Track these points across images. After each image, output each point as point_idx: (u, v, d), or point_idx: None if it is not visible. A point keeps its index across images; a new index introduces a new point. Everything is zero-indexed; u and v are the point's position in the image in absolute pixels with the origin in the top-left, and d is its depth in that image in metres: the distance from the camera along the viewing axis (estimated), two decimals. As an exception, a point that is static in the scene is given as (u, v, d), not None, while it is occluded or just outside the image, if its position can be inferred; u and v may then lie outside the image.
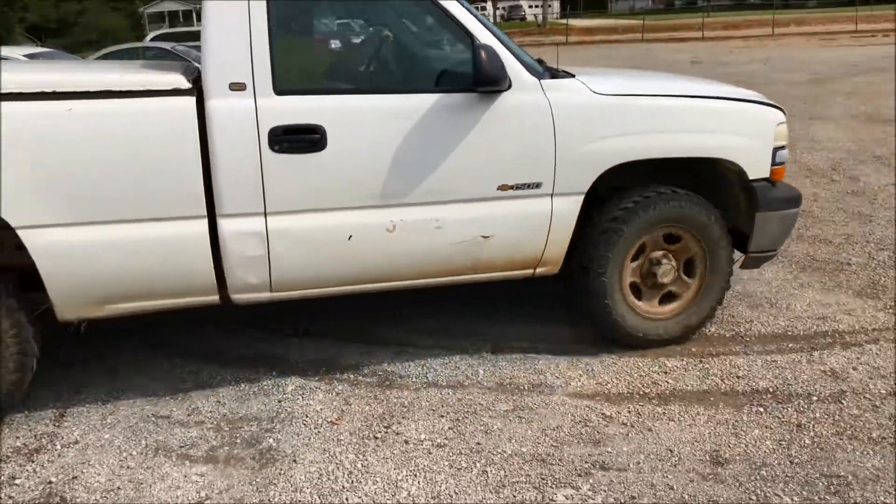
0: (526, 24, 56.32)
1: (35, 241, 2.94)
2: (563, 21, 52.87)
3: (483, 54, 3.16)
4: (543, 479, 2.84)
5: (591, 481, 2.82)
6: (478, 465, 2.94)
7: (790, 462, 2.91)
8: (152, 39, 19.35)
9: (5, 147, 2.85)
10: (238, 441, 3.12)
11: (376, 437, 3.13)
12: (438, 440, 3.10)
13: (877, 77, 14.88)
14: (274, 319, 4.22)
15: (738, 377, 3.57)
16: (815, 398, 3.36)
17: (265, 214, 3.16)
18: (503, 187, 3.40)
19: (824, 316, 4.19)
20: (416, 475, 2.88)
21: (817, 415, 3.23)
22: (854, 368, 3.62)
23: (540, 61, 3.68)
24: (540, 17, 55.07)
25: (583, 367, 3.68)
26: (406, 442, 3.09)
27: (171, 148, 3.01)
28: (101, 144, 2.95)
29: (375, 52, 3.75)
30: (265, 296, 3.33)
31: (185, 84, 3.05)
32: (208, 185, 3.09)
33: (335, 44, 4.04)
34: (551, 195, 3.48)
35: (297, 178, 3.16)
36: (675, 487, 2.78)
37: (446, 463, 2.95)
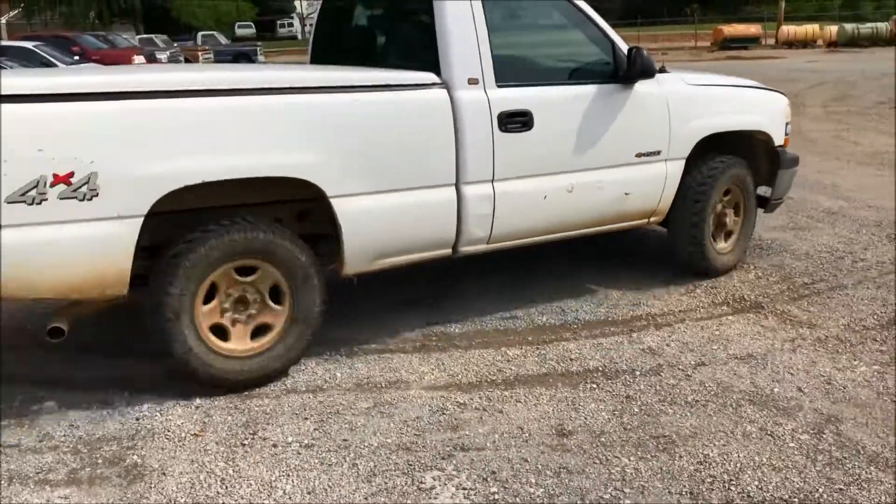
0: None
1: (343, 208, 3.62)
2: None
3: (644, 54, 4.35)
4: (410, 464, 3.03)
5: (454, 462, 3.05)
6: (347, 459, 3.08)
7: (624, 428, 3.30)
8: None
9: (317, 131, 3.54)
10: (100, 461, 3.06)
11: (244, 444, 3.18)
12: (306, 441, 3.21)
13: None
14: (116, 341, 4.12)
15: (571, 360, 3.96)
16: (638, 372, 3.80)
17: (493, 181, 4.03)
18: (638, 155, 4.55)
19: (638, 302, 4.71)
20: (288, 475, 2.97)
21: (642, 386, 3.66)
22: (667, 345, 4.12)
23: None
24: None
25: (434, 362, 3.92)
26: (274, 445, 3.18)
27: (435, 128, 3.84)
28: (384, 126, 3.72)
29: (557, 50, 4.78)
30: (482, 247, 4.18)
31: (437, 79, 3.88)
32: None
33: (527, 42, 4.74)
34: (666, 160, 4.67)
35: (514, 152, 4.07)
36: (528, 459, 3.07)
37: (317, 461, 3.07)
